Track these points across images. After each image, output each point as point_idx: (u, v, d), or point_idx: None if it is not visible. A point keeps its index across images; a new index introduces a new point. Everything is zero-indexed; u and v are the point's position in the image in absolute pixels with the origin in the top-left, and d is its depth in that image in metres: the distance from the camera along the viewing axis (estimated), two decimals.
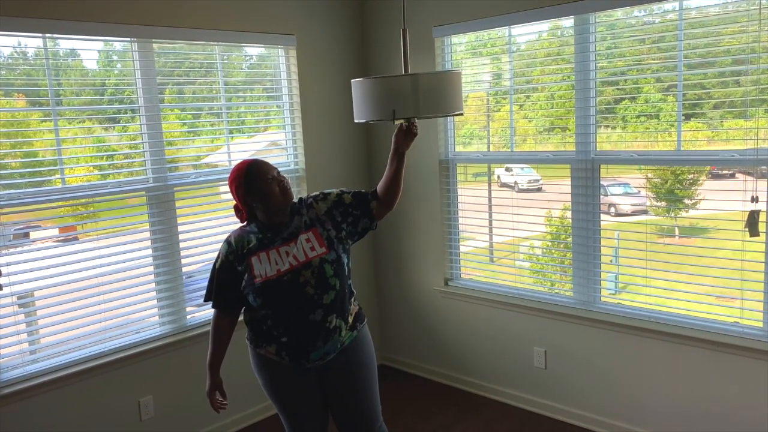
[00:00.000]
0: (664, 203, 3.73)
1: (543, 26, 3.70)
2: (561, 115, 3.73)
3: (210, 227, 3.74)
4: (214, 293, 2.45)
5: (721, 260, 3.19)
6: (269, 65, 4.06)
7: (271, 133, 4.20)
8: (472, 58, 4.04)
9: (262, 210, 2.39)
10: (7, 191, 2.98)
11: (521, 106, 3.92)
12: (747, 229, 2.93)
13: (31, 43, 3.12)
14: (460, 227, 4.19)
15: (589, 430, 3.61)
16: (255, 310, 2.39)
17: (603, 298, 3.60)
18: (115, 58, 3.57)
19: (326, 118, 4.20)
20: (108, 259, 3.31)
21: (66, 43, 3.30)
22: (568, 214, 3.67)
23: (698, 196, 3.46)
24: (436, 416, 3.88)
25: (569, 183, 3.57)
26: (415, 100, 1.98)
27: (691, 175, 3.70)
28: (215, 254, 2.49)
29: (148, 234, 3.49)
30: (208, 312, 3.63)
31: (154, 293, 3.53)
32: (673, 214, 3.72)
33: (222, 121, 3.80)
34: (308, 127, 4.10)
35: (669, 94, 3.26)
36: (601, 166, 3.45)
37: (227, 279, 2.41)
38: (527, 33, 3.74)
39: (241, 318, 2.50)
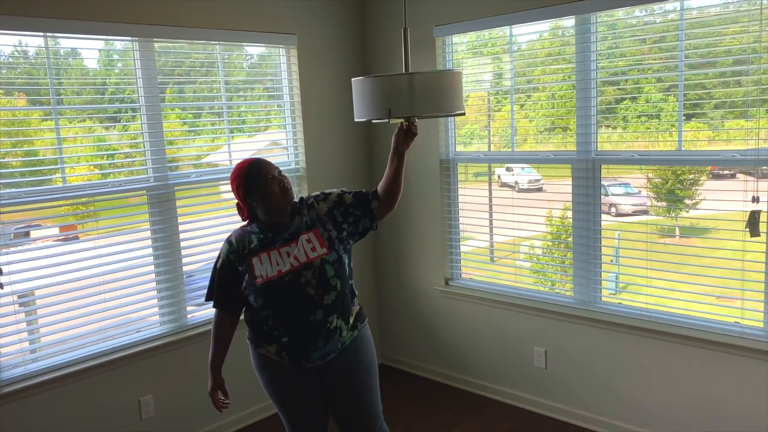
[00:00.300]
0: (664, 203, 3.73)
1: (544, 26, 3.70)
2: (562, 114, 3.73)
3: (210, 227, 3.74)
4: (215, 293, 2.45)
5: (722, 260, 3.19)
6: (270, 65, 4.06)
7: (271, 133, 4.20)
8: (473, 57, 4.04)
9: (262, 209, 2.39)
10: (8, 190, 2.98)
11: (522, 105, 3.92)
12: (748, 230, 2.93)
13: (32, 42, 3.12)
14: (461, 227, 4.19)
15: (589, 429, 3.61)
16: (256, 310, 2.39)
17: (603, 298, 3.60)
18: (115, 57, 3.57)
19: (327, 117, 4.20)
20: (108, 258, 3.31)
21: (67, 42, 3.30)
22: (569, 214, 3.67)
23: (699, 197, 3.45)
24: (437, 416, 3.88)
25: (570, 183, 3.56)
26: (414, 100, 1.98)
27: (692, 176, 3.69)
28: (216, 254, 2.49)
29: (148, 233, 3.50)
30: (208, 311, 3.63)
31: (154, 292, 3.53)
32: (673, 214, 3.72)
33: (222, 120, 3.80)
34: (309, 127, 4.10)
35: (670, 94, 3.26)
36: (602, 166, 3.45)
37: (228, 278, 2.41)
38: (528, 33, 3.74)
39: (241, 317, 2.50)
